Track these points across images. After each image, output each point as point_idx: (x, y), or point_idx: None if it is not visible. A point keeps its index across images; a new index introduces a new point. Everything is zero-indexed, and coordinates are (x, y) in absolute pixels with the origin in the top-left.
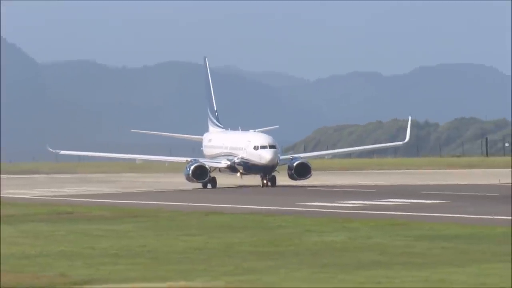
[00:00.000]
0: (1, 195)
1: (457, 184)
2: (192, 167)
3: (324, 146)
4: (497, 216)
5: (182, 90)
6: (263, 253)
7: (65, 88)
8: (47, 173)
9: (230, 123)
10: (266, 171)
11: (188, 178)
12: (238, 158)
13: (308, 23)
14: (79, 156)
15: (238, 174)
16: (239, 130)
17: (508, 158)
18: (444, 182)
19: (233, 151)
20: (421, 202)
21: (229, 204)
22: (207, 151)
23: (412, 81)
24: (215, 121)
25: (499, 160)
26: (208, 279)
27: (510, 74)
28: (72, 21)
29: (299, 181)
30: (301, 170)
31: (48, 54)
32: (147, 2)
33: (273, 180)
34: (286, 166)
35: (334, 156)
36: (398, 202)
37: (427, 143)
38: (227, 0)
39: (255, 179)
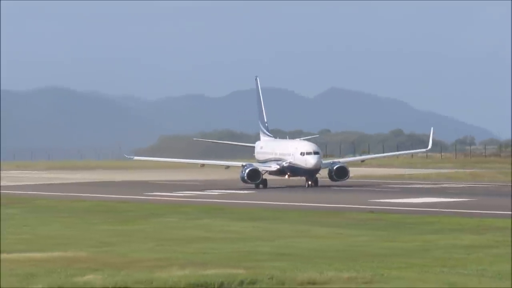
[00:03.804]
0: None
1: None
2: (247, 171)
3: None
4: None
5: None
6: (117, 230)
7: None
8: None
9: (87, 138)
10: (311, 173)
11: (243, 180)
12: (286, 163)
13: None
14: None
15: (286, 176)
16: (287, 138)
17: None
18: None
19: (282, 157)
20: (239, 192)
21: (89, 194)
22: (258, 156)
23: (229, 101)
24: (265, 131)
25: None
26: (76, 250)
27: (311, 97)
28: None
29: (338, 182)
30: (340, 173)
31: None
32: None
33: (316, 181)
34: (327, 169)
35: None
36: (220, 192)
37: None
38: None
39: (301, 180)
